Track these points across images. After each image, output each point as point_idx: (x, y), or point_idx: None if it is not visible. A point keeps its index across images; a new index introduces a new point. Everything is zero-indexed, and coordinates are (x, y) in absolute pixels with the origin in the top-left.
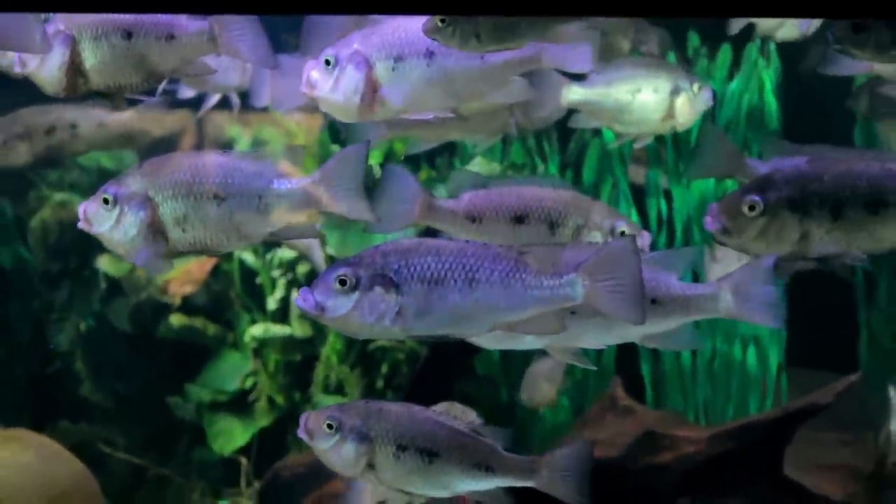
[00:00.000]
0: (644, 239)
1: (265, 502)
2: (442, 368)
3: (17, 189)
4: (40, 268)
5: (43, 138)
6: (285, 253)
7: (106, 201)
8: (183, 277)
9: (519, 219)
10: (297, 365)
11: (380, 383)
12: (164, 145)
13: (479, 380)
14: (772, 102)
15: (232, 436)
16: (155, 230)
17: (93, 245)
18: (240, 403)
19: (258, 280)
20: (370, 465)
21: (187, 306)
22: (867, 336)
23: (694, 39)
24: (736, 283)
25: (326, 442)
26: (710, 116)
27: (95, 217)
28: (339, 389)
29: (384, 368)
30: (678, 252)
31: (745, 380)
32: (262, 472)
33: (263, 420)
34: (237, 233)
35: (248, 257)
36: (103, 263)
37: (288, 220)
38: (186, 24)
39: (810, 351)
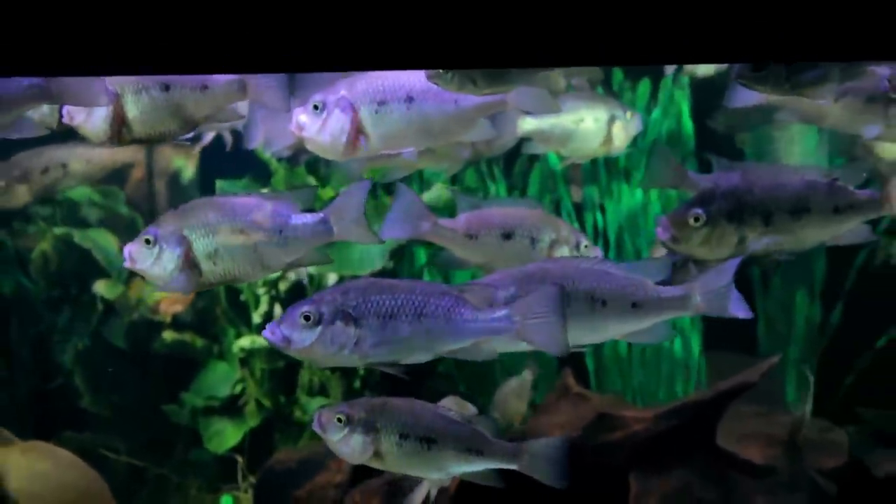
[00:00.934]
0: (596, 252)
1: (261, 495)
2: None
3: (15, 224)
4: (42, 294)
5: (39, 178)
6: None
7: (147, 241)
8: (172, 298)
9: (507, 235)
10: (280, 371)
11: (357, 384)
12: (119, 175)
13: (441, 377)
14: (688, 126)
15: (225, 436)
16: (190, 264)
17: (89, 272)
18: (231, 407)
19: (242, 297)
20: (376, 453)
21: (176, 323)
22: (764, 322)
23: (618, 75)
24: (704, 285)
25: (338, 434)
26: (635, 140)
27: (138, 255)
28: (322, 391)
29: (361, 371)
30: (654, 262)
31: (672, 365)
32: (254, 467)
33: (252, 421)
34: (261, 264)
35: None
36: (99, 288)
37: (304, 250)
38: (218, 76)
39: (720, 337)
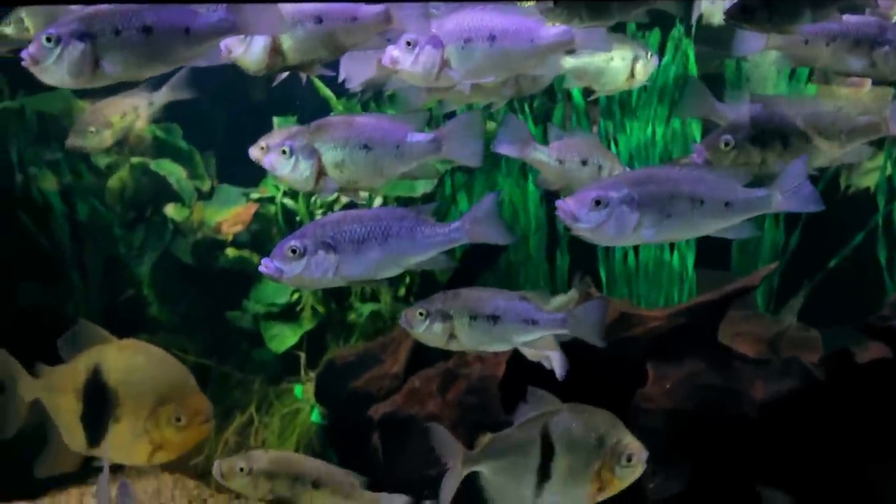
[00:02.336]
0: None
1: (322, 385)
2: (467, 278)
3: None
4: (118, 217)
5: (119, 122)
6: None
7: (284, 152)
8: (232, 219)
9: (584, 162)
10: None
11: (402, 291)
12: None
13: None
14: (693, 71)
15: (284, 338)
16: (320, 172)
17: (160, 197)
18: (288, 313)
19: (298, 218)
20: (452, 335)
21: (235, 242)
22: (737, 244)
23: (631, 26)
24: (783, 185)
25: (421, 326)
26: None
27: (277, 164)
28: (374, 297)
29: (406, 280)
30: (735, 169)
31: (671, 277)
32: (311, 364)
33: (308, 325)
34: (380, 174)
35: (289, 202)
36: (169, 211)
37: (417, 164)
38: (367, 8)
39: (704, 255)
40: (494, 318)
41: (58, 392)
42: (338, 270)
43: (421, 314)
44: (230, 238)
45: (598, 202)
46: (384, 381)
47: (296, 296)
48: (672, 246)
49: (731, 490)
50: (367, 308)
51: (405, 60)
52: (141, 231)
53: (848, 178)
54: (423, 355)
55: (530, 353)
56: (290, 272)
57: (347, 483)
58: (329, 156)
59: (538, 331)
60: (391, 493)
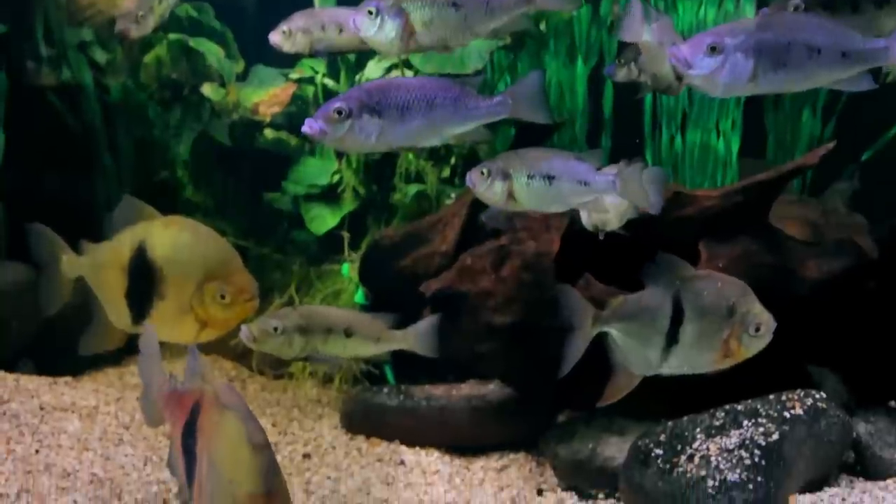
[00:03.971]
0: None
1: (367, 265)
2: None
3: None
4: (156, 96)
5: (157, 6)
6: (370, 73)
7: (370, 13)
8: (270, 100)
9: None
10: (374, 163)
11: (447, 171)
12: None
13: None
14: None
15: (324, 219)
16: (408, 32)
17: (198, 74)
18: (329, 195)
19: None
20: (510, 194)
21: (273, 124)
22: (773, 135)
23: None
24: None
25: (483, 184)
26: None
27: (363, 25)
28: (418, 178)
29: (451, 160)
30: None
31: (716, 162)
32: (351, 246)
33: (349, 206)
34: (470, 30)
35: (329, 82)
36: (206, 90)
37: (506, 20)
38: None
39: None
40: (550, 178)
41: (102, 269)
42: (381, 135)
43: (483, 173)
44: (268, 119)
45: (713, 48)
46: (433, 260)
47: (336, 177)
48: (718, 131)
49: (781, 369)
50: (412, 188)
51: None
52: (178, 111)
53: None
54: (472, 234)
55: (588, 221)
56: (333, 133)
57: (377, 327)
58: (417, 15)
59: (591, 192)
60: (416, 323)
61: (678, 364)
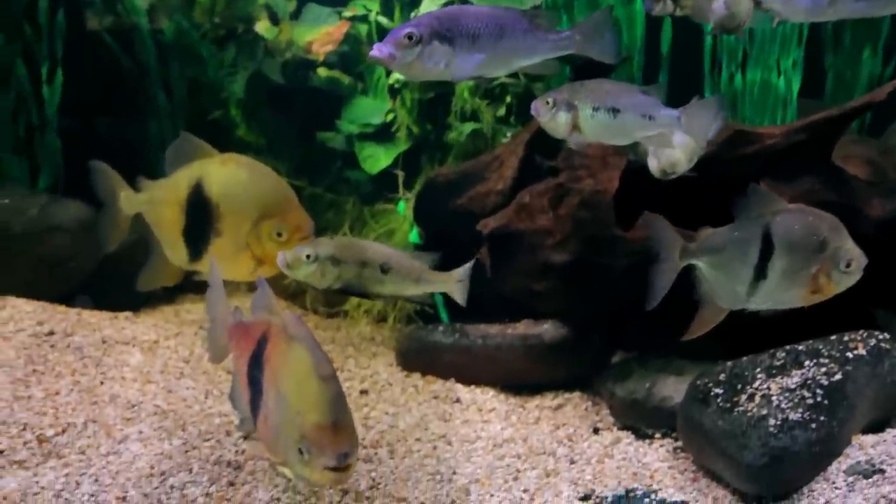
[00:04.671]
0: None
1: (421, 203)
2: None
3: None
4: (210, 35)
5: None
6: (426, 11)
7: None
8: (323, 39)
9: None
10: (428, 102)
11: (503, 111)
12: None
13: None
14: None
15: (378, 158)
16: None
17: (250, 14)
18: (383, 134)
19: None
20: (575, 125)
21: (326, 63)
22: (833, 74)
23: None
24: None
25: (547, 114)
26: None
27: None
28: (474, 117)
29: (507, 99)
30: None
31: (776, 99)
32: (406, 185)
33: (403, 145)
34: None
35: (383, 19)
36: (260, 28)
37: None
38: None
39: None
40: (615, 111)
41: (160, 206)
42: (450, 63)
43: (548, 103)
44: (321, 58)
45: None
46: (488, 199)
47: (390, 116)
48: (779, 69)
49: (845, 310)
50: (468, 127)
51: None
52: (231, 50)
53: None
54: (529, 172)
55: (655, 167)
56: (402, 59)
57: (416, 266)
58: None
59: (655, 126)
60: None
61: (765, 299)
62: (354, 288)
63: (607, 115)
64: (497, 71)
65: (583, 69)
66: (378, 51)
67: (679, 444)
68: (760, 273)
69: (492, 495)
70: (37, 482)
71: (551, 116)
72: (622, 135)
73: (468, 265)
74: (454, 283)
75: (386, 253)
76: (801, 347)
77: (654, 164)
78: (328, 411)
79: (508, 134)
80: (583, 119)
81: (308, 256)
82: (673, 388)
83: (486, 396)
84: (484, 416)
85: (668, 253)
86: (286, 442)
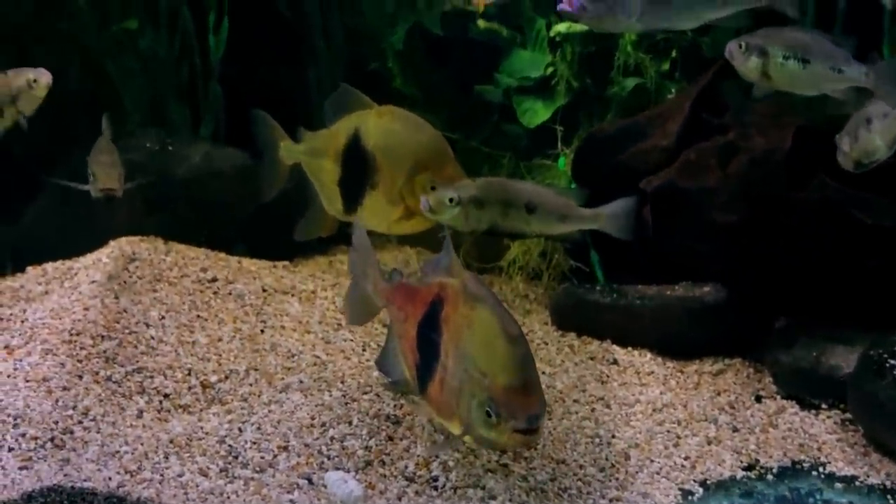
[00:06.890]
0: None
1: (581, 159)
2: None
3: None
4: None
5: None
6: None
7: None
8: None
9: None
10: (589, 55)
11: (667, 65)
12: None
13: None
14: None
15: (536, 112)
16: None
17: None
18: (542, 88)
19: None
20: (765, 73)
21: (485, 14)
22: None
23: None
24: None
25: (740, 58)
26: None
27: None
28: (637, 72)
29: (672, 54)
30: None
31: None
32: (564, 140)
33: (562, 100)
34: None
35: None
36: None
37: None
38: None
39: None
40: (805, 61)
41: (318, 156)
42: (642, 15)
43: (741, 46)
44: (481, 9)
45: None
46: (651, 155)
47: (550, 69)
48: None
49: None
50: (631, 82)
51: None
52: (392, 0)
53: None
54: (695, 129)
55: (845, 161)
56: (593, 12)
57: (563, 203)
58: None
59: (843, 81)
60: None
61: None
62: (500, 229)
63: (797, 64)
64: (687, 23)
65: (763, 18)
66: (569, 3)
67: (848, 416)
68: None
69: (652, 461)
70: (201, 427)
71: (743, 60)
72: (809, 85)
73: (623, 199)
74: (605, 219)
75: (531, 190)
76: None
77: (845, 150)
78: (518, 372)
79: (673, 90)
80: (773, 66)
81: (451, 199)
82: (842, 358)
83: (644, 359)
84: (642, 379)
85: None
86: (469, 405)
